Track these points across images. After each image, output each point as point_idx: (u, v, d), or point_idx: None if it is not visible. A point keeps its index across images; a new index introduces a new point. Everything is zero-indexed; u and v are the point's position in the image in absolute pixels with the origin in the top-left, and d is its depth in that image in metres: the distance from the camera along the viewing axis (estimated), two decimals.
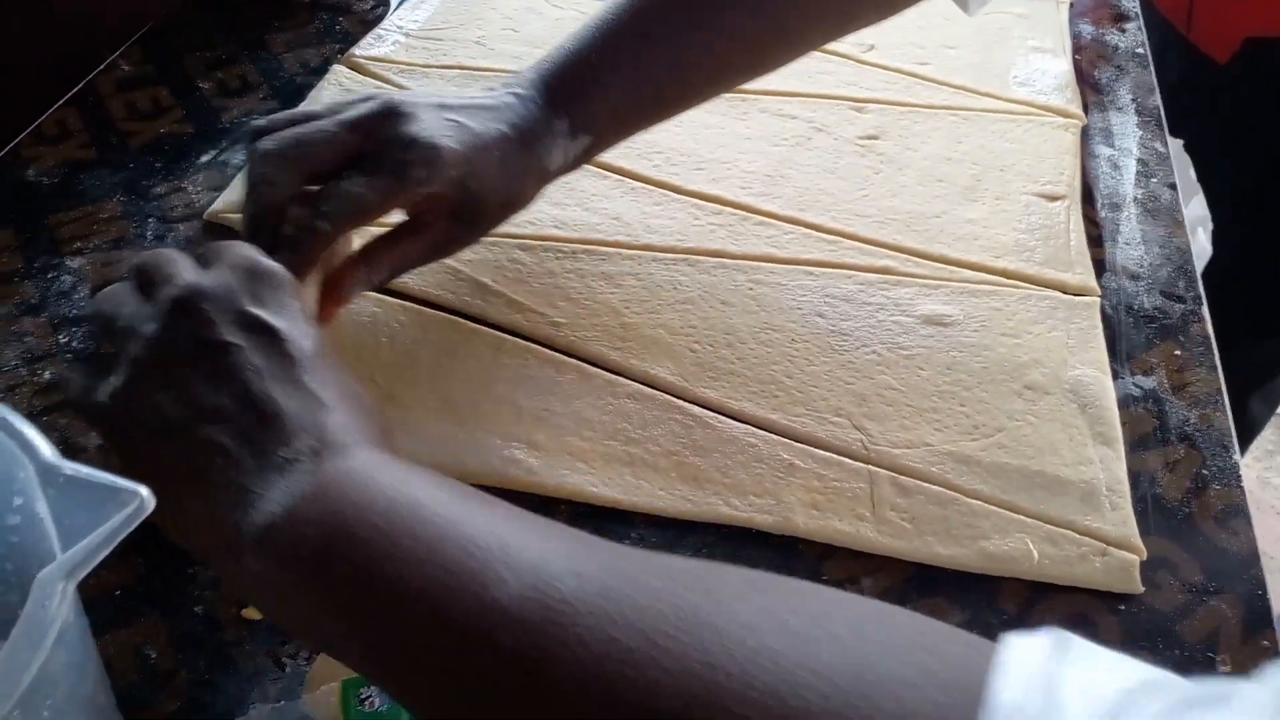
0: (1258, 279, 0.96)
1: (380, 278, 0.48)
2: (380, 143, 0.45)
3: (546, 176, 0.52)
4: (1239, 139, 0.93)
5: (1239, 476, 0.51)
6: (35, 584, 0.26)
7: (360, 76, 0.71)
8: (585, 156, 0.53)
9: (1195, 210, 0.81)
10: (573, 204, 0.62)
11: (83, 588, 0.41)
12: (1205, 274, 0.78)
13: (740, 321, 0.56)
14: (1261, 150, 0.90)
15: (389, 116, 0.45)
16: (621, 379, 0.52)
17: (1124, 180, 0.68)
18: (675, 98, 0.54)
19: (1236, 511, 0.49)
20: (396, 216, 0.48)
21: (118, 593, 0.43)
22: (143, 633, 0.42)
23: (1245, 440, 1.16)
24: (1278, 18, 0.85)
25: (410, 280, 0.56)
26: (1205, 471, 0.51)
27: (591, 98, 0.51)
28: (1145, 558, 0.47)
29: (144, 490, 0.29)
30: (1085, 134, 0.71)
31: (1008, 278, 0.60)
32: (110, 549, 0.28)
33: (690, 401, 0.52)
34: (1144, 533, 0.47)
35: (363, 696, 0.37)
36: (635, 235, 0.61)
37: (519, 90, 0.50)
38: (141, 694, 0.40)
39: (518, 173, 0.49)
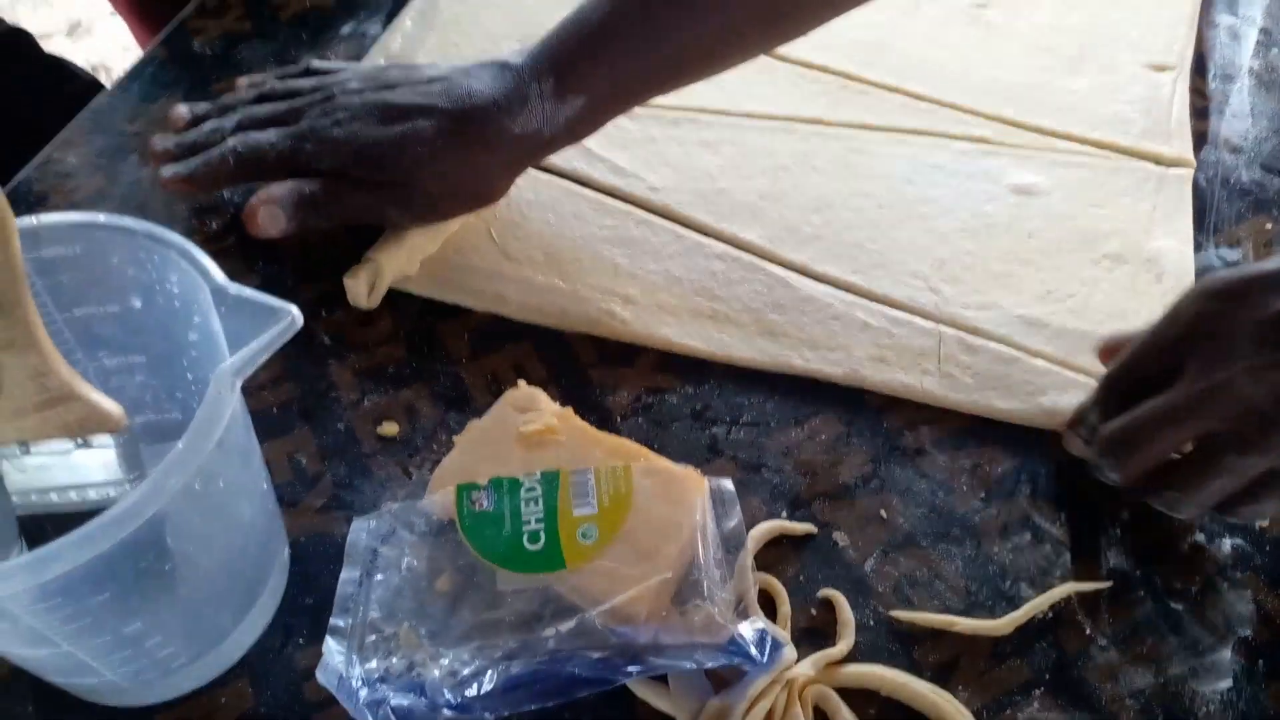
0: None
1: (317, 223, 0.53)
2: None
3: (519, 146, 0.51)
4: None
5: None
6: (212, 379, 0.33)
7: None
8: (582, 123, 0.52)
9: None
10: None
11: (250, 403, 0.49)
12: None
13: (831, 188, 0.59)
14: None
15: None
16: (711, 240, 0.57)
17: (1242, 51, 0.66)
18: (689, 64, 0.52)
19: None
20: None
21: (275, 409, 0.51)
22: (295, 443, 0.50)
23: None
24: None
25: None
26: None
27: (586, 57, 0.50)
28: None
29: (294, 309, 0.36)
30: (1207, 2, 0.69)
31: (1102, 149, 0.60)
32: (269, 354, 0.35)
33: (775, 263, 0.56)
34: None
35: (474, 498, 0.44)
36: (736, 103, 0.64)
37: (505, 59, 0.52)
38: (294, 491, 0.48)
39: (466, 157, 0.51)
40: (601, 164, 0.60)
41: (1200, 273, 0.54)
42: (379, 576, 0.43)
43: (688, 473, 0.44)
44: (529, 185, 0.60)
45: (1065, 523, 0.46)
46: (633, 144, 0.61)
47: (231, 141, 0.53)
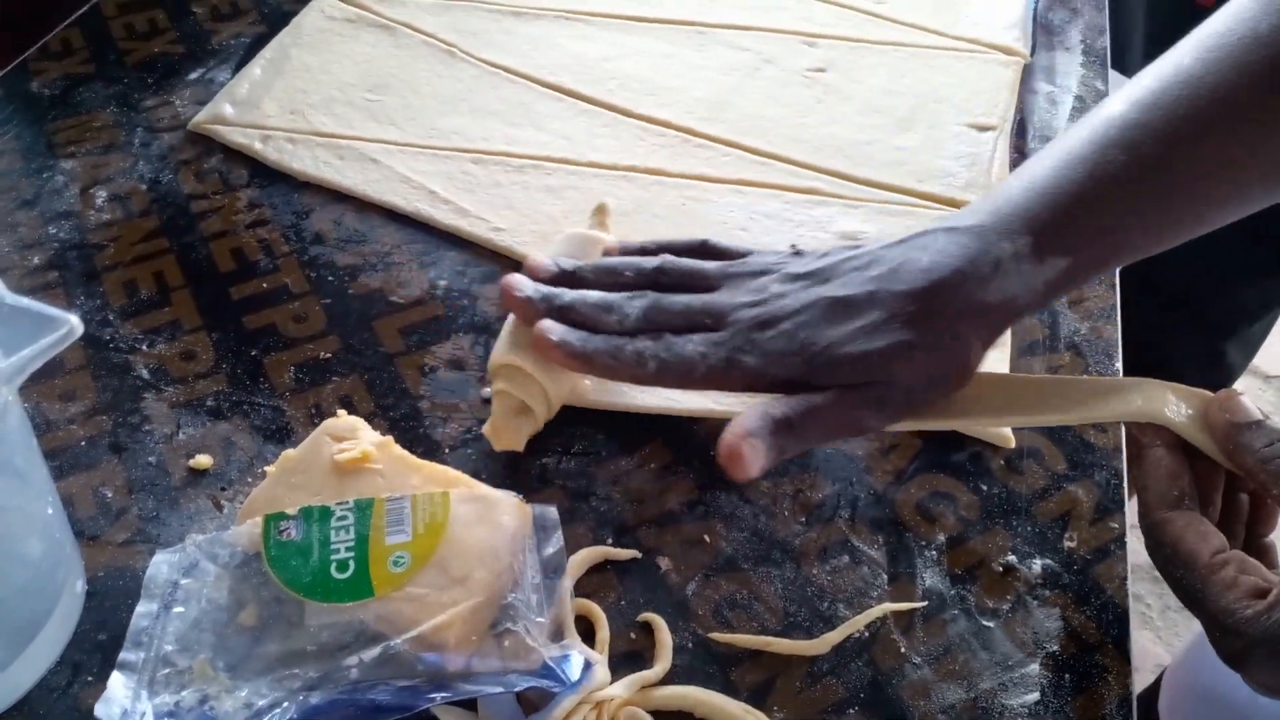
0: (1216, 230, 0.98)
1: (795, 449, 0.43)
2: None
3: (994, 316, 0.43)
4: None
5: None
6: None
7: (343, 5, 0.76)
8: (1063, 285, 0.44)
9: None
10: (527, 124, 0.67)
11: (57, 436, 0.47)
12: None
13: (669, 233, 0.60)
14: None
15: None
16: None
17: (1059, 115, 0.71)
18: (1183, 229, 0.45)
19: None
20: None
21: (83, 443, 0.49)
22: (101, 476, 0.47)
23: (1223, 387, 1.18)
24: None
25: (367, 188, 0.61)
26: (1086, 376, 0.55)
27: (1072, 218, 0.43)
28: (1013, 446, 0.51)
29: (73, 318, 0.34)
30: (1029, 72, 0.74)
31: (926, 199, 0.63)
32: (43, 361, 0.33)
33: None
34: (1018, 428, 0.52)
35: (282, 528, 0.43)
36: (581, 153, 0.65)
37: (952, 224, 0.44)
38: (96, 525, 0.46)
39: (940, 339, 0.43)
40: (445, 206, 0.61)
41: None
42: (177, 609, 0.41)
43: (508, 499, 0.44)
44: (363, 223, 0.60)
45: (883, 545, 0.47)
46: (479, 188, 0.62)
47: (651, 344, 0.45)
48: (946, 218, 0.45)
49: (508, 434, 0.48)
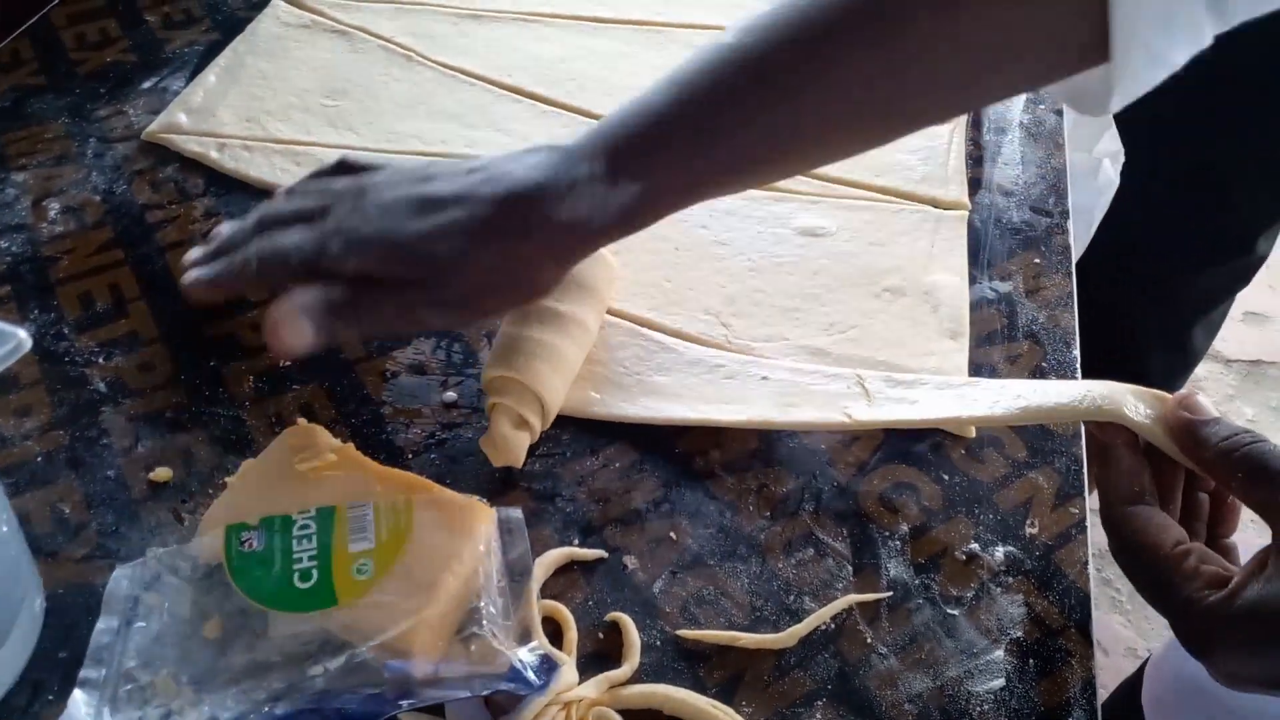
0: (1184, 212, 0.99)
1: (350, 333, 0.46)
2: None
3: (566, 234, 0.44)
4: None
5: (1076, 369, 0.55)
6: None
7: (298, 10, 0.75)
8: (638, 214, 0.45)
9: (1107, 145, 0.84)
10: (485, 125, 0.67)
11: (13, 453, 0.46)
12: (1114, 207, 0.83)
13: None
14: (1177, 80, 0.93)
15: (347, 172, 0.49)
16: None
17: (1013, 107, 0.72)
18: (764, 162, 0.46)
19: None
20: None
21: (39, 459, 0.48)
22: (59, 492, 0.47)
23: (1185, 371, 1.20)
24: None
25: None
26: (1044, 364, 0.55)
27: (644, 142, 0.44)
28: (974, 436, 0.51)
29: (21, 332, 0.34)
30: None
31: (885, 193, 0.64)
32: None
33: None
34: None
35: (243, 539, 0.42)
36: None
37: (556, 143, 0.45)
38: (54, 541, 0.45)
39: (505, 248, 0.44)
40: None
41: (975, 304, 0.57)
42: (139, 624, 0.41)
43: (471, 503, 0.44)
44: None
45: (847, 537, 0.47)
46: None
47: (254, 244, 0.47)
48: (559, 139, 0.46)
49: (506, 448, 0.47)
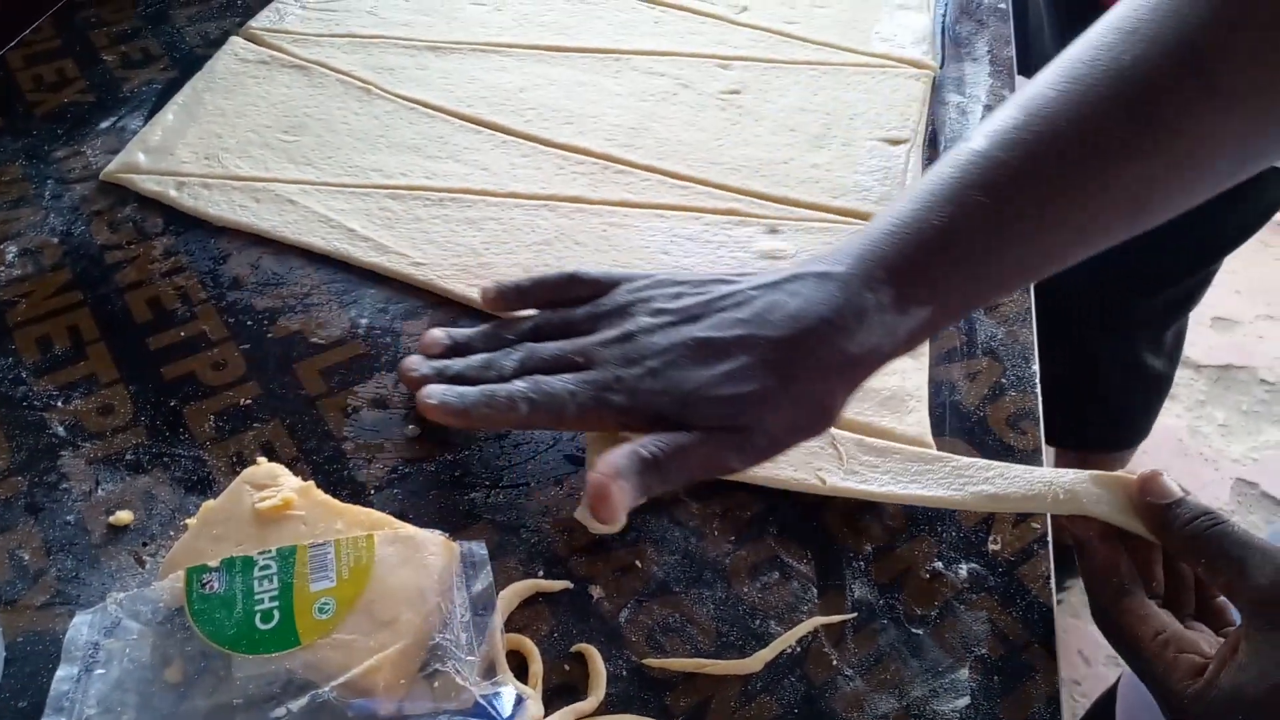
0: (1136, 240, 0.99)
1: (632, 476, 0.42)
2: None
3: (859, 365, 0.44)
4: None
5: (1035, 385, 0.56)
6: None
7: (256, 47, 0.75)
8: (921, 334, 0.45)
9: None
10: (445, 156, 0.67)
11: None
12: None
13: (591, 259, 0.61)
14: None
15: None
16: (477, 310, 0.57)
17: (969, 125, 0.73)
18: (1043, 266, 0.45)
19: (1027, 414, 0.54)
20: None
21: None
22: (17, 538, 0.46)
23: (1145, 390, 1.19)
24: None
25: (285, 229, 0.61)
26: (1004, 380, 0.56)
27: (931, 267, 0.43)
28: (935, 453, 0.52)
29: None
30: (939, 84, 0.76)
31: (843, 215, 0.64)
32: None
33: None
34: (939, 434, 0.53)
35: (204, 581, 0.42)
36: (501, 184, 0.65)
37: (819, 270, 0.45)
38: (13, 589, 0.45)
39: (806, 388, 0.43)
40: (364, 243, 0.60)
41: None
42: (99, 671, 0.40)
43: (434, 538, 0.44)
44: (282, 263, 0.59)
45: (812, 559, 0.47)
46: (397, 223, 0.62)
47: (522, 385, 0.45)
48: (818, 259, 0.46)
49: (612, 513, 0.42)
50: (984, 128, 0.44)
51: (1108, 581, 0.43)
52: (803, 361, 0.43)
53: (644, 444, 0.42)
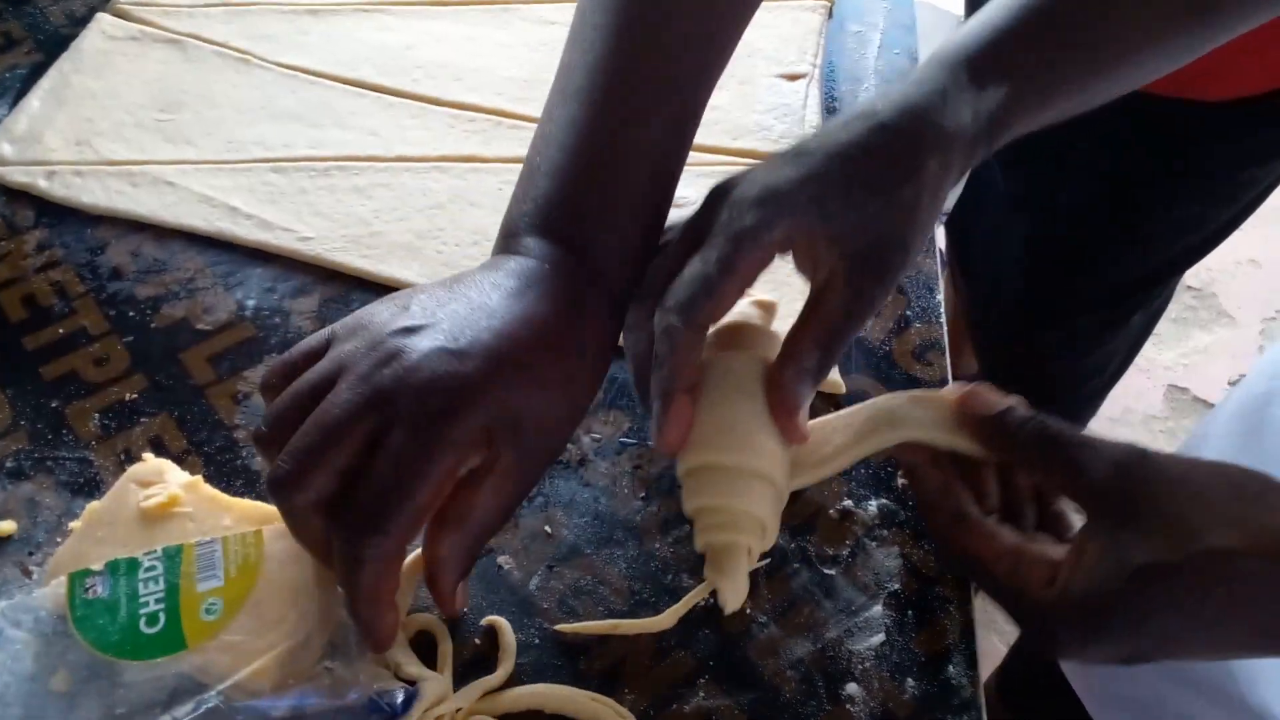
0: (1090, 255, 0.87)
1: (810, 364, 0.39)
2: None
3: (950, 142, 0.41)
4: None
5: (940, 315, 0.55)
6: None
7: (125, 22, 0.71)
8: (1001, 121, 0.42)
9: None
10: (330, 123, 0.64)
11: None
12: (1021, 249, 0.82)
13: (489, 221, 0.59)
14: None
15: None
16: (369, 282, 0.55)
17: (867, 54, 0.71)
18: (1114, 63, 0.43)
19: (933, 345, 0.54)
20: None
21: None
22: None
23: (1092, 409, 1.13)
24: None
25: (164, 213, 0.58)
26: (909, 313, 0.55)
27: (1001, 47, 0.42)
28: (844, 392, 0.51)
29: None
30: (836, 13, 0.74)
31: (743, 156, 0.63)
32: None
33: None
34: (845, 371, 0.52)
35: (87, 586, 0.40)
36: (390, 148, 0.63)
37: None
38: None
39: (899, 185, 0.40)
40: (248, 221, 0.58)
41: None
42: None
43: None
44: (162, 250, 0.57)
45: None
46: (281, 198, 0.60)
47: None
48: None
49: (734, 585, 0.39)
50: None
51: (942, 506, 0.40)
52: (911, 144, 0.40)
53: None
